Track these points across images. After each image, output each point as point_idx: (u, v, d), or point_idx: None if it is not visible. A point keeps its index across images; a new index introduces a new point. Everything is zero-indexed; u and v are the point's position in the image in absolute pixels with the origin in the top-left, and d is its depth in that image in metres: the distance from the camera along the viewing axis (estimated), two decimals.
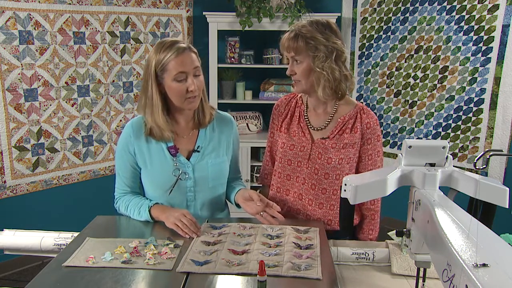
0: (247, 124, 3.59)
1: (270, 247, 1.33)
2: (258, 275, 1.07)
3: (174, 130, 1.58)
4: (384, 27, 3.41)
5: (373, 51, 3.50)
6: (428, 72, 3.22)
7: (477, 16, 2.95)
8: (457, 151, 3.18)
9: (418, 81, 3.29)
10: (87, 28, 2.95)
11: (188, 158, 1.60)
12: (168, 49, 1.47)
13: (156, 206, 1.54)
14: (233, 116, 3.59)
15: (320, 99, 1.58)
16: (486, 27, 2.91)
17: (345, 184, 1.06)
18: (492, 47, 2.91)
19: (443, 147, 1.02)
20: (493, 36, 2.89)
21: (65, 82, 2.91)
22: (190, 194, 1.60)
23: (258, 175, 3.52)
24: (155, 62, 1.48)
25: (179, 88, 1.47)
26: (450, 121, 3.18)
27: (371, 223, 1.64)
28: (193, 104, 1.53)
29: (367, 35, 3.52)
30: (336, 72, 1.50)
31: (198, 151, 1.60)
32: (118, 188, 1.65)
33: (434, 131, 3.28)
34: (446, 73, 3.14)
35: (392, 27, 3.36)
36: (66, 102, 2.94)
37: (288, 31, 1.54)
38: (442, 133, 3.24)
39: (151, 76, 1.49)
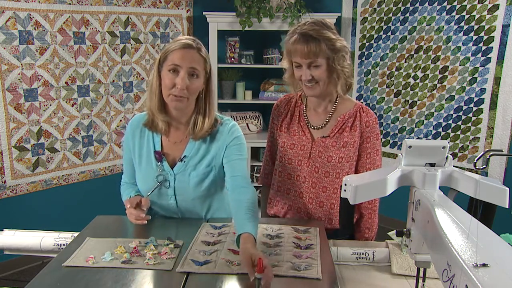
0: (247, 124, 3.59)
1: (270, 247, 1.33)
2: (256, 272, 1.06)
3: (166, 126, 1.55)
4: (384, 27, 3.41)
5: (373, 51, 3.50)
6: (428, 72, 3.22)
7: (477, 16, 2.95)
8: (457, 151, 3.18)
9: (418, 81, 3.29)
10: (87, 28, 2.95)
11: (173, 167, 1.56)
12: (176, 42, 1.47)
13: (130, 199, 1.57)
14: (233, 116, 3.62)
15: (325, 98, 1.60)
16: (486, 27, 2.91)
17: (345, 184, 1.06)
18: (492, 47, 2.91)
19: (443, 147, 1.02)
20: (493, 36, 2.89)
21: (65, 82, 2.91)
22: (171, 202, 1.59)
23: (258, 175, 3.52)
24: (163, 50, 1.49)
25: (168, 80, 1.43)
26: (450, 121, 3.18)
27: (368, 222, 1.64)
28: (176, 103, 1.45)
29: (367, 35, 3.52)
30: (350, 68, 1.55)
31: (184, 161, 1.55)
32: (123, 178, 1.71)
33: (434, 131, 3.28)
34: (446, 73, 3.14)
35: (392, 27, 3.37)
36: (66, 102, 2.94)
37: (293, 35, 1.49)
38: (442, 133, 3.24)
39: (156, 63, 1.50)
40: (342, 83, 1.54)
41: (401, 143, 1.08)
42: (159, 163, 1.55)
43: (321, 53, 1.46)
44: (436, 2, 3.11)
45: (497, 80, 2.92)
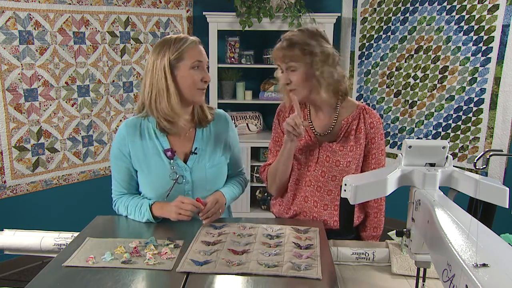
0: (247, 124, 3.59)
1: (270, 247, 1.33)
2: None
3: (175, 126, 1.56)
4: (384, 27, 3.41)
5: (373, 51, 3.50)
6: (428, 72, 3.23)
7: (477, 16, 2.95)
8: (457, 151, 3.18)
9: (418, 81, 3.29)
10: (87, 28, 2.95)
11: (185, 161, 1.58)
12: (183, 41, 1.49)
13: (155, 204, 1.53)
14: (233, 116, 3.63)
15: (320, 103, 1.58)
16: (486, 27, 2.91)
17: (345, 184, 1.06)
18: (492, 47, 2.91)
19: (443, 147, 1.02)
20: (493, 36, 2.89)
21: (65, 82, 2.91)
22: None
23: (258, 175, 3.53)
24: (169, 53, 1.46)
25: (195, 77, 1.48)
26: (450, 121, 3.18)
27: (374, 221, 1.64)
28: (202, 97, 1.54)
29: (367, 35, 3.52)
30: (335, 75, 1.52)
31: (196, 153, 1.58)
32: (115, 191, 1.63)
33: (434, 131, 3.28)
34: (446, 73, 3.14)
35: (392, 27, 3.37)
36: (66, 102, 2.94)
37: (279, 40, 1.54)
38: (442, 133, 3.24)
39: (164, 68, 1.46)
40: (327, 89, 1.51)
41: (401, 143, 1.08)
42: (172, 161, 1.55)
43: (294, 57, 1.48)
44: (436, 2, 3.11)
45: (497, 80, 2.92)
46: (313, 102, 1.60)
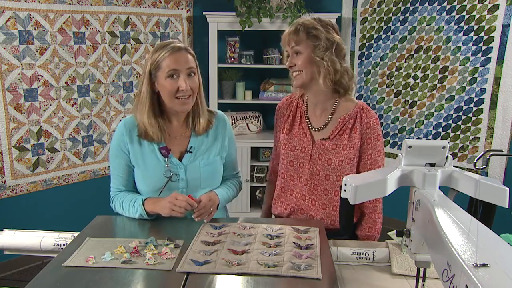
0: (247, 124, 3.59)
1: (270, 247, 1.33)
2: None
3: (165, 131, 1.58)
4: (384, 27, 3.41)
5: (373, 51, 3.50)
6: (428, 72, 3.22)
7: (477, 16, 2.95)
8: (457, 151, 3.18)
9: (418, 81, 3.29)
10: (87, 28, 2.95)
11: (180, 159, 1.59)
12: (163, 48, 1.48)
13: (148, 200, 1.54)
14: (233, 116, 3.62)
15: (319, 95, 1.58)
16: (486, 27, 2.91)
17: (345, 184, 1.06)
18: (492, 47, 2.91)
19: (443, 147, 1.02)
20: (493, 36, 2.89)
21: (65, 82, 2.91)
22: None
23: (258, 175, 3.53)
24: (151, 61, 1.49)
25: (170, 86, 1.47)
26: (450, 121, 3.18)
27: (369, 220, 1.63)
28: (185, 106, 1.52)
29: (367, 35, 3.52)
30: (337, 65, 1.52)
31: (191, 152, 1.60)
32: (113, 187, 1.65)
33: (434, 131, 3.28)
34: (446, 73, 3.14)
35: (392, 27, 3.37)
36: (66, 102, 2.94)
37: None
38: (442, 133, 3.24)
39: (145, 76, 1.51)
40: (326, 77, 1.51)
41: (401, 143, 1.08)
42: (166, 159, 1.56)
43: (300, 40, 1.51)
44: (436, 2, 3.11)
45: (497, 80, 2.91)
46: (311, 91, 1.60)
